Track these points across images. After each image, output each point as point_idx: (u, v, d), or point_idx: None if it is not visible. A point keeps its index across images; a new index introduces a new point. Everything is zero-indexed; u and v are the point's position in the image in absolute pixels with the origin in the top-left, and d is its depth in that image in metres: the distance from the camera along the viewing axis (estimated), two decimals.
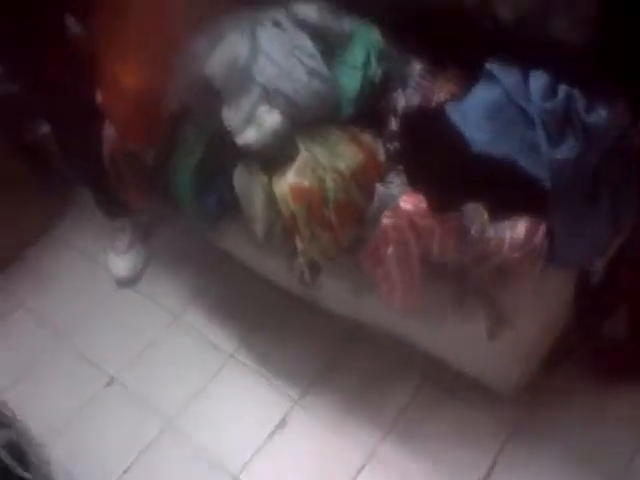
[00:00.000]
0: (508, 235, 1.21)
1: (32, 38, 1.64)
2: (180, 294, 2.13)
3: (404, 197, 1.28)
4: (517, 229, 1.20)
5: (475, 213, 1.23)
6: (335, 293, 1.70)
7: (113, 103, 1.66)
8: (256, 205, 1.43)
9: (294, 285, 1.78)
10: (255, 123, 1.34)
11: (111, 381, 1.97)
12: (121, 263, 2.18)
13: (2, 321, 2.19)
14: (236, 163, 1.44)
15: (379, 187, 1.32)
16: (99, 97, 1.78)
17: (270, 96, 1.30)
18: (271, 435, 1.76)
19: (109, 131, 1.75)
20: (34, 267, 2.32)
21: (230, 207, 1.53)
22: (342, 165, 1.31)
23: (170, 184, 1.57)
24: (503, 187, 1.20)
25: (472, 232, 1.24)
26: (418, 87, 1.32)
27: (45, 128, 2.24)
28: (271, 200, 1.39)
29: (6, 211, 2.19)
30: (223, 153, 1.46)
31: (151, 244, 2.28)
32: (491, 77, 1.22)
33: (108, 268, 2.22)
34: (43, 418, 1.90)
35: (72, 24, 1.85)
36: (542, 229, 1.20)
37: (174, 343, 2.03)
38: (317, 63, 1.28)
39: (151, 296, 2.16)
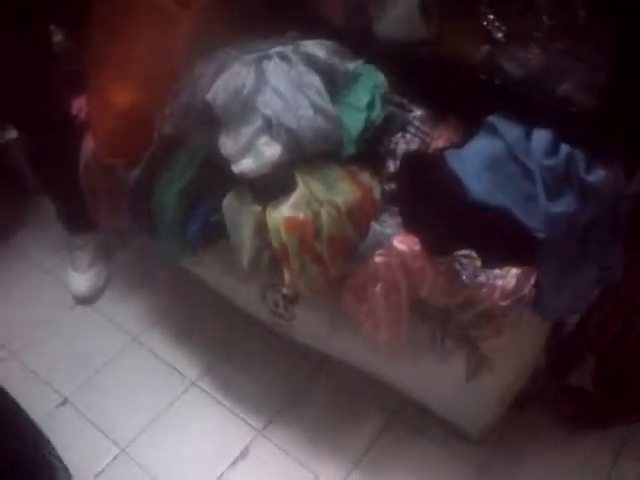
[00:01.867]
0: (499, 283, 1.24)
1: (15, 45, 1.60)
2: (140, 316, 2.08)
3: (399, 237, 1.30)
4: (508, 277, 1.23)
5: (468, 259, 1.26)
6: (308, 325, 1.70)
7: (98, 117, 1.62)
8: (245, 233, 1.41)
9: (265, 314, 1.77)
10: (254, 153, 1.33)
11: (64, 402, 1.89)
12: (81, 280, 2.11)
13: None
14: (226, 190, 1.42)
15: (374, 225, 1.33)
16: (79, 108, 1.74)
17: (272, 128, 1.30)
18: (232, 465, 1.71)
19: (88, 145, 1.71)
20: None
21: (214, 233, 1.50)
22: (339, 200, 1.31)
23: (151, 206, 1.54)
24: (497, 235, 1.24)
25: (463, 277, 1.26)
26: (418, 132, 1.34)
27: (11, 134, 2.16)
28: (262, 229, 1.38)
29: None
30: (213, 179, 1.44)
31: (113, 262, 2.22)
32: (493, 130, 1.26)
33: (66, 283, 2.14)
34: None
35: (56, 32, 1.83)
36: (532, 279, 1.24)
37: (131, 366, 1.97)
38: (324, 101, 1.29)
39: (109, 316, 2.09)
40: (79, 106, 1.83)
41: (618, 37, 1.10)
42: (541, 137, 1.22)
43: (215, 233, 1.48)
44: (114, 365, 1.96)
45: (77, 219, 2.07)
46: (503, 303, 1.27)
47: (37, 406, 1.86)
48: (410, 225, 1.31)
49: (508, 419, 1.65)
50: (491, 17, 1.26)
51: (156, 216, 1.54)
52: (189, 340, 2.00)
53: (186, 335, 2.01)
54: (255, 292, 1.71)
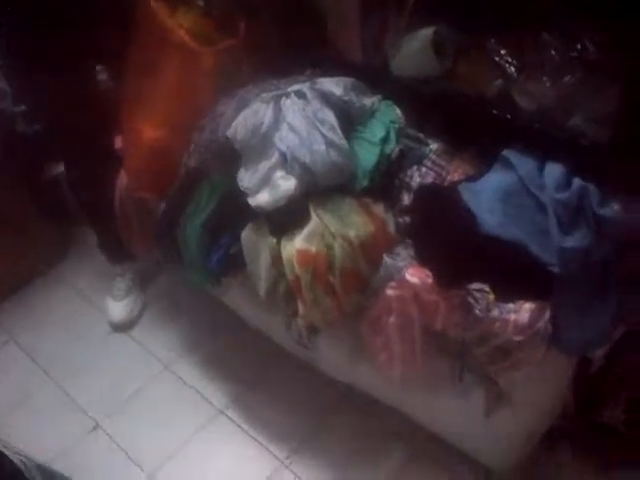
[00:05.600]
0: (512, 317, 1.22)
1: (61, 82, 1.68)
2: (173, 344, 2.14)
3: (411, 270, 1.30)
4: (522, 312, 1.22)
5: (481, 292, 1.25)
6: (331, 356, 1.70)
7: (131, 152, 1.70)
8: (262, 265, 1.44)
9: (291, 344, 1.78)
10: (270, 186, 1.36)
11: (96, 427, 1.94)
12: (118, 308, 2.18)
13: None
14: (246, 222, 1.45)
15: (386, 258, 1.33)
16: (118, 144, 1.82)
17: (288, 163, 1.34)
18: None
19: (122, 178, 1.78)
20: (30, 303, 2.33)
21: (234, 263, 1.54)
22: (352, 234, 1.33)
23: (177, 237, 1.59)
24: (511, 269, 1.22)
25: (476, 311, 1.25)
26: (433, 166, 1.35)
27: (59, 168, 2.28)
28: (277, 262, 1.40)
29: (10, 245, 2.22)
30: (233, 211, 1.48)
31: (149, 291, 2.29)
32: (507, 163, 1.26)
33: (104, 311, 2.22)
34: None
35: (100, 71, 1.93)
36: (547, 314, 1.22)
37: (162, 393, 2.01)
38: (337, 136, 1.32)
39: (144, 343, 2.15)
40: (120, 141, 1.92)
41: (627, 69, 1.09)
42: (553, 170, 1.21)
43: (235, 264, 1.52)
44: (145, 392, 2.01)
45: (116, 248, 2.13)
46: (517, 338, 1.25)
47: (70, 430, 1.94)
48: (423, 258, 1.31)
49: (535, 458, 1.60)
50: (503, 52, 1.27)
51: (181, 246, 1.59)
52: (218, 369, 2.03)
53: (215, 364, 2.05)
54: (280, 321, 1.73)
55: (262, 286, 1.44)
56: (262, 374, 1.98)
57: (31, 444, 1.88)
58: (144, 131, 1.60)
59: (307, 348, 1.72)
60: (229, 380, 2.00)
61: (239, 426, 1.88)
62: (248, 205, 1.40)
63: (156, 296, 2.28)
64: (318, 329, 1.58)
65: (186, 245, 1.55)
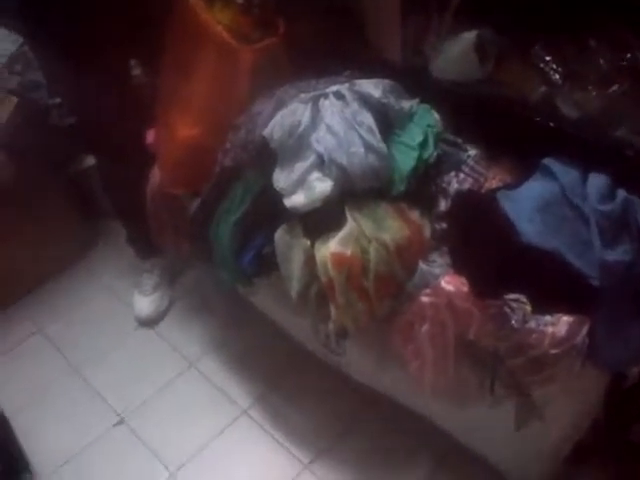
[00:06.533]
0: (550, 330, 1.19)
1: (96, 78, 1.68)
2: (199, 341, 2.14)
3: (446, 277, 1.28)
4: (559, 325, 1.19)
5: (518, 303, 1.22)
6: (358, 361, 1.69)
7: (165, 148, 1.70)
8: (294, 266, 1.43)
9: (317, 347, 1.77)
10: (305, 188, 1.35)
11: (120, 421, 1.95)
12: (145, 303, 2.19)
13: (18, 345, 2.20)
14: (279, 223, 1.44)
15: (422, 264, 1.32)
16: (151, 139, 1.82)
17: (325, 164, 1.32)
18: None
19: (155, 174, 1.78)
20: (57, 295, 2.34)
21: (266, 264, 1.53)
22: (387, 238, 1.31)
23: (210, 235, 1.58)
24: (549, 280, 1.20)
25: (512, 322, 1.22)
26: (471, 172, 1.33)
27: (90, 161, 2.29)
28: (310, 263, 1.39)
29: (39, 237, 2.25)
30: (267, 211, 1.47)
31: (176, 288, 2.29)
32: (548, 172, 1.23)
33: (131, 306, 2.23)
34: (45, 450, 1.89)
35: (135, 66, 1.93)
36: (585, 328, 1.19)
37: (187, 391, 2.01)
38: (375, 139, 1.30)
39: (169, 340, 2.16)
40: (151, 137, 1.92)
41: None
42: (597, 181, 1.18)
43: (267, 264, 1.51)
44: (171, 389, 2.01)
45: (145, 244, 2.14)
46: (554, 351, 1.22)
47: (94, 424, 1.95)
48: (459, 265, 1.29)
49: (564, 474, 1.57)
50: (548, 59, 1.24)
51: (213, 245, 1.59)
52: (243, 368, 2.03)
53: (241, 363, 2.05)
54: (308, 324, 1.71)
55: (294, 287, 1.43)
56: (287, 375, 1.97)
57: (56, 436, 1.92)
58: (179, 128, 1.60)
59: (334, 352, 1.71)
60: (254, 380, 1.99)
61: (262, 427, 1.87)
62: (282, 205, 1.39)
63: (183, 292, 2.29)
64: (348, 333, 1.57)
65: (218, 244, 1.54)
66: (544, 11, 1.27)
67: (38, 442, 1.91)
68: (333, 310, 1.39)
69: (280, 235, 1.44)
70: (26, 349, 2.19)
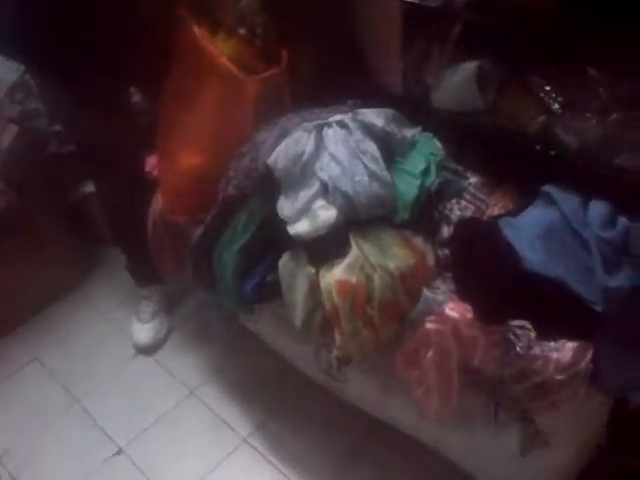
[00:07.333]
0: (554, 356, 1.20)
1: (96, 104, 1.68)
2: (198, 369, 2.12)
3: (451, 304, 1.29)
4: (564, 351, 1.20)
5: (522, 329, 1.23)
6: (359, 388, 1.68)
7: (167, 176, 1.71)
8: (299, 293, 1.44)
9: (319, 374, 1.76)
10: (310, 216, 1.36)
11: (119, 451, 1.93)
12: (143, 331, 2.18)
13: (16, 373, 2.18)
14: (283, 251, 1.45)
15: (426, 291, 1.33)
16: (152, 166, 1.83)
17: (329, 193, 1.34)
18: None
19: (157, 201, 1.79)
20: (55, 323, 2.33)
21: (270, 291, 1.53)
22: (392, 265, 1.32)
23: (212, 263, 1.59)
24: (552, 306, 1.21)
25: (517, 348, 1.23)
26: (473, 199, 1.35)
27: (89, 188, 2.30)
28: (315, 291, 1.40)
29: (37, 264, 2.24)
30: (271, 239, 1.47)
31: (175, 315, 2.29)
32: (548, 199, 1.25)
33: (129, 333, 2.22)
34: None
35: (134, 92, 1.94)
36: (589, 353, 1.20)
37: (186, 419, 1.99)
38: (379, 167, 1.32)
39: (168, 367, 2.14)
40: (152, 164, 1.93)
41: None
42: (598, 208, 1.20)
43: (271, 292, 1.51)
44: (170, 418, 2.00)
45: (145, 271, 2.14)
46: (559, 377, 1.23)
47: (93, 453, 1.92)
48: (463, 292, 1.30)
49: None
50: (547, 88, 1.27)
51: (216, 273, 1.59)
52: (243, 396, 2.02)
53: (241, 391, 2.03)
54: (309, 351, 1.71)
55: (298, 315, 1.43)
56: (288, 403, 1.96)
57: (53, 466, 1.90)
58: (182, 157, 1.61)
59: (336, 379, 1.71)
60: (254, 407, 1.98)
61: (263, 456, 1.85)
62: (286, 233, 1.40)
63: (182, 319, 2.28)
64: (352, 361, 1.56)
65: (221, 271, 1.55)
66: (543, 41, 1.30)
67: (35, 474, 1.88)
68: (338, 337, 1.39)
69: (284, 263, 1.44)
70: (23, 378, 2.17)
